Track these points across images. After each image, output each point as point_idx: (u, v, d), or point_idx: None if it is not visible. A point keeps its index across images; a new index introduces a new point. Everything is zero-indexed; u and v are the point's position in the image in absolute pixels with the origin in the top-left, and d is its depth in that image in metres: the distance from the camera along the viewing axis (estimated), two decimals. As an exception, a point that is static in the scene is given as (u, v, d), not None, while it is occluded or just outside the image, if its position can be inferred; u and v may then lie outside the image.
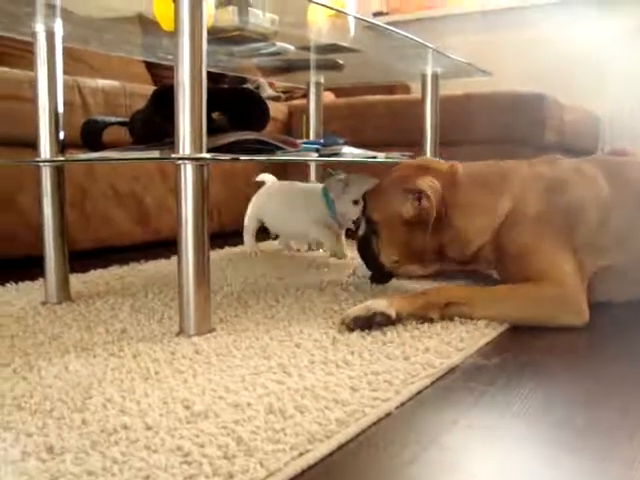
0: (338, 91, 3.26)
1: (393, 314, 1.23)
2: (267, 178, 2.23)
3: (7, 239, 1.95)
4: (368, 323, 1.22)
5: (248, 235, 2.18)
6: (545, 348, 1.19)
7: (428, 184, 1.45)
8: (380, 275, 1.60)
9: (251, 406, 0.85)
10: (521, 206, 1.42)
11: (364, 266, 1.65)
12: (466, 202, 1.46)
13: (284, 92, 3.33)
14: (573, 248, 1.36)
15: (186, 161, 1.14)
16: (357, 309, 1.23)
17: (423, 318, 1.28)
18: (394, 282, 1.63)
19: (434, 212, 1.42)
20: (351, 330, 1.21)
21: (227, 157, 1.24)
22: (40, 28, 1.38)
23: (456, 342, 1.14)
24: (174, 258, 2.05)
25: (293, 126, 2.96)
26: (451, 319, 1.29)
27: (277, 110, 2.91)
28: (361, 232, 1.60)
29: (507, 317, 1.29)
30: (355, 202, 1.87)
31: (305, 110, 2.29)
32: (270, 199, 2.13)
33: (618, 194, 1.44)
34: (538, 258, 1.35)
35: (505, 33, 3.63)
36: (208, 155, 1.16)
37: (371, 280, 1.63)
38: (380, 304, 1.24)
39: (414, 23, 3.92)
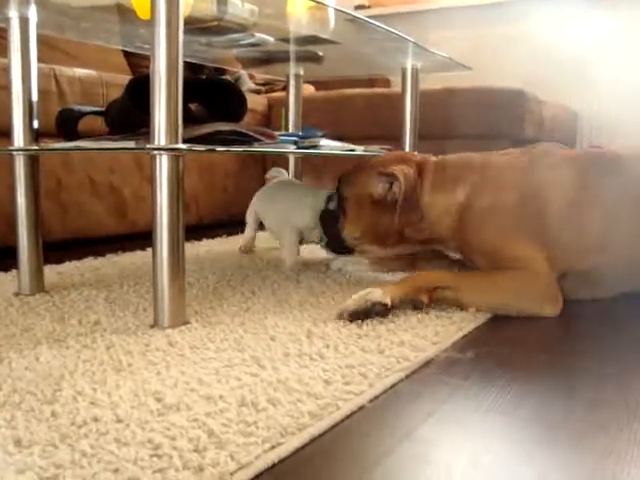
0: (318, 84, 3.26)
1: (389, 302, 1.24)
2: (276, 174, 2.13)
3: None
4: (367, 314, 1.22)
5: (249, 228, 2.11)
6: (520, 342, 1.19)
7: (402, 171, 1.49)
8: (339, 248, 1.66)
9: (223, 399, 0.84)
10: (481, 193, 1.45)
11: (338, 259, 1.71)
12: (431, 187, 1.51)
13: (264, 84, 3.32)
14: (540, 240, 1.37)
15: (162, 151, 1.12)
16: (354, 302, 1.23)
17: (414, 303, 1.29)
18: (369, 276, 1.63)
19: (402, 197, 1.47)
20: (351, 321, 1.21)
21: (203, 148, 1.23)
22: (14, 14, 1.36)
23: (431, 336, 1.15)
24: (150, 250, 2.02)
25: (273, 118, 2.94)
26: (437, 303, 1.32)
27: (257, 102, 2.90)
28: (330, 207, 1.66)
29: (489, 303, 1.32)
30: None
31: (285, 103, 2.28)
32: (263, 193, 2.04)
33: (599, 194, 1.43)
34: (506, 246, 1.38)
35: (486, 28, 3.65)
36: (184, 146, 1.14)
37: (327, 248, 1.69)
38: (376, 294, 1.25)
39: (396, 17, 3.92)
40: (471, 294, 1.32)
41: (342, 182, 1.63)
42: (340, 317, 1.23)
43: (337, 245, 1.65)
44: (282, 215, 1.85)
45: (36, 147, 1.41)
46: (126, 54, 2.99)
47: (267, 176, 2.17)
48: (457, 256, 1.58)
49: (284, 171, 2.16)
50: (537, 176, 1.44)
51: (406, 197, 1.47)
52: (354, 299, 1.24)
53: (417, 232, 1.53)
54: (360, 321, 1.21)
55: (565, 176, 1.44)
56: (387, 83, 3.52)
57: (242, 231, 2.12)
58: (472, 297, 1.32)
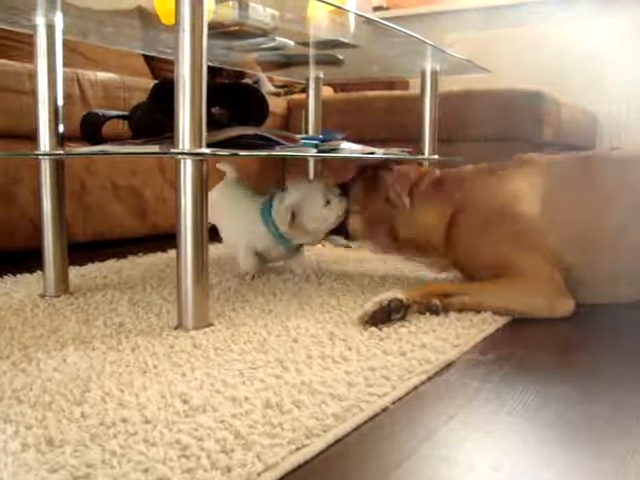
0: (337, 86, 3.27)
1: (404, 298, 1.26)
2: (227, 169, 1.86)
3: (5, 232, 1.96)
4: (386, 314, 1.24)
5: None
6: (540, 344, 1.20)
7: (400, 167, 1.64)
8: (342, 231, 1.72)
9: (249, 400, 0.85)
10: (466, 208, 1.50)
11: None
12: (424, 195, 1.58)
13: (283, 86, 3.33)
14: (534, 244, 1.39)
15: (186, 156, 1.14)
16: (372, 304, 1.25)
17: (428, 306, 1.31)
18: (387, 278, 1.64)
19: (394, 187, 1.59)
20: (373, 325, 1.23)
21: (226, 152, 1.25)
22: (40, 21, 1.38)
23: (452, 338, 1.15)
24: (171, 252, 2.05)
25: (291, 120, 2.96)
26: (449, 309, 1.33)
27: (276, 105, 2.91)
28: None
29: (498, 308, 1.33)
30: (327, 202, 1.62)
31: (304, 105, 2.29)
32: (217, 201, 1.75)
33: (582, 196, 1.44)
34: (504, 257, 1.40)
35: (504, 30, 3.64)
36: (208, 150, 1.16)
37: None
38: (389, 294, 1.27)
39: (414, 18, 3.93)
40: (481, 300, 1.34)
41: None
42: (361, 321, 1.24)
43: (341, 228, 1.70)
44: (236, 232, 1.73)
45: (62, 151, 1.44)
46: (146, 57, 3.02)
47: (218, 165, 1.84)
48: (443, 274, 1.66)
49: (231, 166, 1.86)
50: (517, 184, 1.46)
51: (399, 180, 1.58)
52: (371, 303, 1.25)
53: (404, 227, 1.60)
54: (382, 325, 1.22)
55: (546, 181, 1.45)
56: (405, 85, 3.53)
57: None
58: (485, 303, 1.34)
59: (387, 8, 4.10)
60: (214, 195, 1.70)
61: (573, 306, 1.33)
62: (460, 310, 1.33)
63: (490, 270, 1.41)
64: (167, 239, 2.06)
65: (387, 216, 1.61)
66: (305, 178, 1.76)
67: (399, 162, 1.73)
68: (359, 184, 1.69)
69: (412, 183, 1.59)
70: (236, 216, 1.74)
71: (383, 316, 1.24)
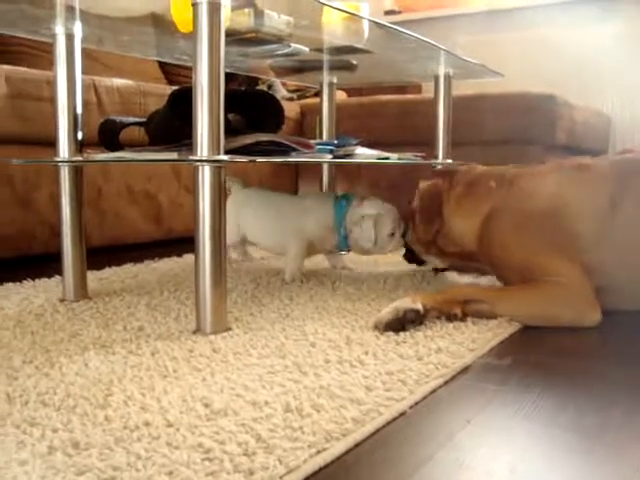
0: (350, 90, 3.28)
1: (421, 308, 1.26)
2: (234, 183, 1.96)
3: (24, 237, 1.98)
4: (401, 323, 1.24)
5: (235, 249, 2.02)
6: (556, 349, 1.20)
7: (422, 185, 1.66)
8: (412, 256, 1.81)
9: (269, 404, 0.87)
10: (504, 208, 1.46)
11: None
12: (455, 201, 1.57)
13: (296, 90, 3.35)
14: (571, 251, 1.36)
15: (204, 163, 1.16)
16: (386, 313, 1.25)
17: (447, 314, 1.30)
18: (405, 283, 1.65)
19: (419, 208, 1.64)
20: (387, 330, 1.23)
21: (244, 159, 1.26)
22: (60, 30, 1.40)
23: (468, 342, 1.16)
24: (187, 256, 2.07)
25: (305, 125, 2.98)
26: (471, 316, 1.31)
27: (289, 109, 2.93)
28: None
29: (525, 315, 1.32)
30: (391, 234, 1.72)
31: (318, 110, 2.30)
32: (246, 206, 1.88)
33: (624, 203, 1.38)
34: (535, 260, 1.37)
35: (516, 32, 3.64)
36: (225, 157, 1.18)
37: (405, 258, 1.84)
38: (405, 302, 1.27)
39: (426, 22, 3.93)
40: (506, 307, 1.32)
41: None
42: (376, 329, 1.24)
43: (410, 253, 1.80)
44: (286, 227, 1.77)
45: (80, 158, 1.46)
46: (160, 63, 3.05)
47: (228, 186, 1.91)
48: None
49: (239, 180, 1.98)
50: (565, 189, 1.42)
51: (423, 208, 1.59)
52: (387, 311, 1.26)
53: (447, 244, 1.60)
54: (401, 332, 1.23)
55: (595, 188, 1.40)
56: (418, 89, 3.53)
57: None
58: (507, 310, 1.32)
59: (399, 12, 4.10)
60: (240, 201, 1.83)
61: (600, 317, 1.30)
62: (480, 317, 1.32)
63: (520, 273, 1.38)
64: (182, 243, 2.08)
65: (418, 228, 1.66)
66: (376, 197, 1.77)
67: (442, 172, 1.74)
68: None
69: (447, 188, 1.58)
70: (280, 215, 1.80)
71: (398, 325, 1.24)
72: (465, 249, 1.56)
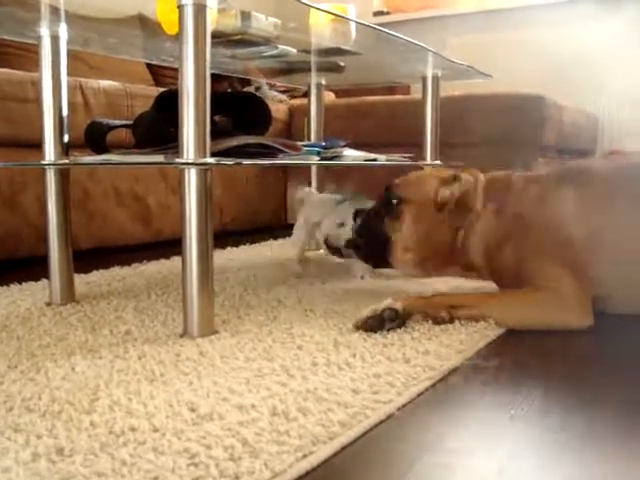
0: (339, 91, 3.28)
1: (400, 307, 1.26)
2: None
3: (11, 239, 1.97)
4: (379, 321, 1.24)
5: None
6: (543, 350, 1.21)
7: (466, 176, 1.49)
8: (377, 258, 1.58)
9: (255, 408, 0.86)
10: (507, 213, 1.44)
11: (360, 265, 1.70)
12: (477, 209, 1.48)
13: (284, 91, 3.34)
14: (567, 260, 1.34)
15: (190, 166, 1.15)
16: (365, 312, 1.26)
17: (433, 318, 1.30)
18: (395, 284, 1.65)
19: (456, 199, 1.46)
20: (367, 331, 1.23)
21: (231, 162, 1.26)
22: (45, 32, 1.40)
23: (456, 344, 1.16)
24: (175, 259, 2.06)
25: (294, 126, 2.97)
26: (456, 321, 1.30)
27: (278, 110, 2.93)
28: (373, 209, 1.60)
29: (512, 320, 1.31)
30: (341, 224, 1.73)
31: (306, 111, 2.30)
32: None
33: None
34: (532, 270, 1.36)
35: (505, 33, 3.65)
36: (212, 160, 1.17)
37: (365, 260, 1.64)
38: (385, 302, 1.27)
39: (415, 22, 3.93)
40: (493, 312, 1.31)
41: (398, 186, 1.56)
42: (356, 326, 1.25)
43: (377, 253, 1.56)
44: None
45: (67, 161, 1.45)
46: (149, 65, 3.04)
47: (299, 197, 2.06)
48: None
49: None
50: (561, 195, 1.40)
51: (459, 201, 1.46)
52: (367, 309, 1.26)
53: (462, 252, 1.49)
54: (385, 331, 1.23)
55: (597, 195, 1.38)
56: (407, 89, 3.54)
57: (265, 239, 2.14)
58: (495, 315, 1.31)
59: (388, 13, 4.10)
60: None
61: (592, 321, 1.29)
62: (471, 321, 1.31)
63: (514, 278, 1.37)
64: (171, 246, 2.08)
65: (441, 226, 1.48)
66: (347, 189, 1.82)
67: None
68: (406, 195, 1.54)
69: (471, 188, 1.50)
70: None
71: (376, 324, 1.24)
72: (471, 256, 1.49)
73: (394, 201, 1.52)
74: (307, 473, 0.72)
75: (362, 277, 1.75)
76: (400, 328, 1.26)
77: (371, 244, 1.58)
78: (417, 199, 1.51)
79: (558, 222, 1.37)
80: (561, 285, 1.32)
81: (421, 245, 1.49)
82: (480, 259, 1.47)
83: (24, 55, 2.40)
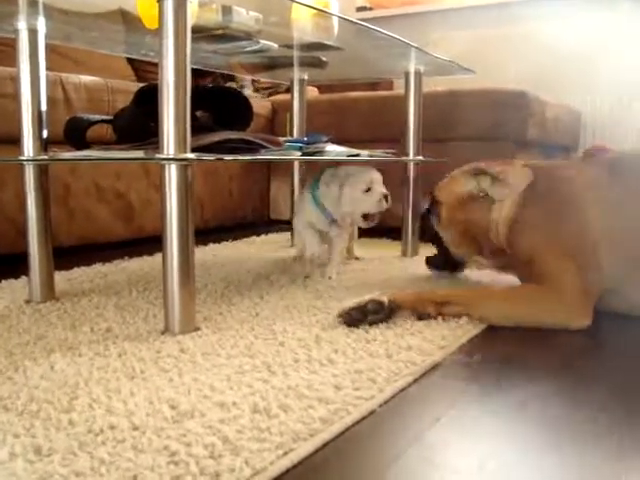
0: (322, 86, 3.27)
1: (385, 301, 1.26)
2: None
3: (-11, 236, 1.95)
4: (362, 313, 1.24)
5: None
6: (526, 346, 1.21)
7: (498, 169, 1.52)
8: (450, 263, 1.71)
9: (236, 405, 0.86)
10: (527, 209, 1.43)
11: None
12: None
13: (267, 88, 3.33)
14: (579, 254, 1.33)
15: (171, 161, 1.14)
16: (348, 303, 1.26)
17: (420, 313, 1.30)
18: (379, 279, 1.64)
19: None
20: (348, 325, 1.23)
21: (211, 157, 1.25)
22: (23, 26, 1.37)
23: (438, 340, 1.16)
24: (157, 255, 2.05)
25: (276, 122, 2.96)
26: (445, 317, 1.30)
27: (260, 106, 2.91)
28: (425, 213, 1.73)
29: (504, 318, 1.30)
30: (367, 190, 1.69)
31: (289, 107, 2.29)
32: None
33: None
34: (540, 261, 1.35)
35: (489, 29, 3.65)
36: (192, 155, 1.16)
37: (440, 268, 1.75)
38: (371, 295, 1.27)
39: (398, 18, 3.93)
40: (485, 310, 1.30)
41: (436, 191, 1.67)
42: (339, 317, 1.25)
43: (446, 257, 1.70)
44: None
45: (46, 157, 1.43)
46: (130, 60, 3.01)
47: None
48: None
49: None
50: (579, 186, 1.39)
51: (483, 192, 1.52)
52: (352, 301, 1.26)
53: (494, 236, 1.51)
54: (367, 325, 1.23)
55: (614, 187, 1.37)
56: (390, 85, 3.53)
57: (247, 235, 2.13)
58: (486, 312, 1.30)
59: (370, 8, 4.09)
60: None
61: (589, 322, 1.28)
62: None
63: (524, 269, 1.38)
64: (153, 242, 2.06)
65: (476, 214, 1.54)
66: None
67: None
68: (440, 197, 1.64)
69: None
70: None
71: (359, 315, 1.24)
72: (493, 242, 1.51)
73: (427, 207, 1.68)
74: (288, 470, 0.72)
75: (313, 255, 1.77)
76: (384, 322, 1.25)
77: (438, 251, 1.73)
78: (445, 199, 1.62)
79: (579, 215, 1.36)
80: (563, 282, 1.30)
81: (465, 238, 1.59)
82: (505, 244, 1.47)
83: (3, 50, 2.37)
